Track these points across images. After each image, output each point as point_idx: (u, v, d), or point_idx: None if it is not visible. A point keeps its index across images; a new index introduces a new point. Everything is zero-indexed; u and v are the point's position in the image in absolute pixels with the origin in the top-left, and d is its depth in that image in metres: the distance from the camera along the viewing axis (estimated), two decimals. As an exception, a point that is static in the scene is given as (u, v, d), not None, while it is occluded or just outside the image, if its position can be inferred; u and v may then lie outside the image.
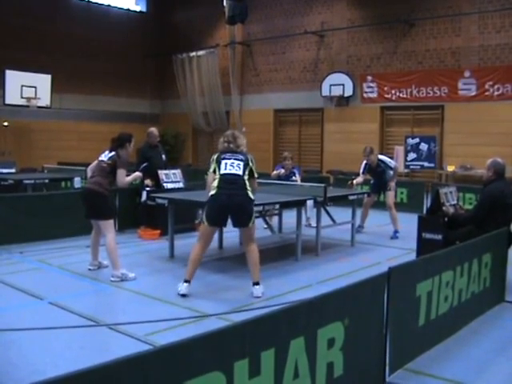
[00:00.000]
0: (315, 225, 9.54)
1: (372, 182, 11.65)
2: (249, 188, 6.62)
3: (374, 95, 19.97)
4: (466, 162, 17.38)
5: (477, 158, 16.03)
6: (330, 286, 5.00)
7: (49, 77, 20.65)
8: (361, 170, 11.27)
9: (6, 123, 21.17)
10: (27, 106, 20.29)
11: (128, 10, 25.84)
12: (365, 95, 20.18)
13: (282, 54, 22.60)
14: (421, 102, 18.91)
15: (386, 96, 19.65)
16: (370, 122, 19.90)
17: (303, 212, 9.24)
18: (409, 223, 9.90)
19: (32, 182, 12.77)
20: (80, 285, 7.29)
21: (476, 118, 17.43)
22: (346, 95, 20.31)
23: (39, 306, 6.31)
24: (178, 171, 11.24)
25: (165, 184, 10.67)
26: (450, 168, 17.89)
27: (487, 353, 5.12)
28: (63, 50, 22.54)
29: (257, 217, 8.17)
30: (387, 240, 10.70)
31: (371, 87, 20.02)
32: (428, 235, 7.48)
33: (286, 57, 22.51)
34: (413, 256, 7.56)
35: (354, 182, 11.09)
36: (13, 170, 15.58)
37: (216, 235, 9.31)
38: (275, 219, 10.86)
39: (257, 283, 6.73)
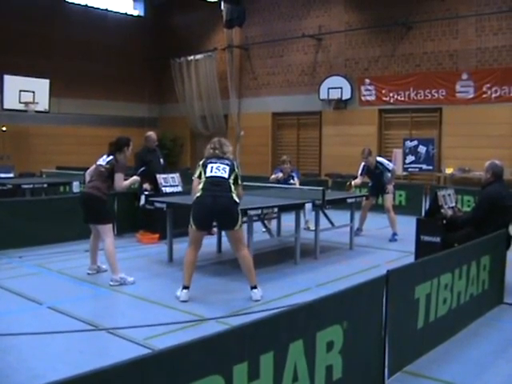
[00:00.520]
0: (314, 228, 9.55)
1: (370, 184, 11.65)
2: (234, 191, 6.63)
3: (372, 98, 19.99)
4: (465, 164, 17.40)
5: (475, 160, 16.04)
6: (328, 289, 5.01)
7: (47, 81, 20.67)
8: (359, 172, 11.29)
9: (4, 128, 21.18)
10: (25, 111, 20.30)
11: (126, 14, 25.86)
12: (363, 98, 20.20)
13: (280, 58, 22.63)
14: (419, 104, 18.94)
15: (384, 99, 19.67)
16: (368, 125, 19.91)
17: (302, 215, 9.24)
18: (407, 226, 9.90)
19: (31, 186, 12.78)
20: (79, 289, 7.30)
21: (474, 121, 17.45)
22: (344, 98, 20.33)
23: (38, 310, 6.31)
24: (176, 175, 11.25)
25: (163, 188, 10.67)
26: (449, 170, 17.92)
27: (486, 355, 5.13)
28: (61, 54, 22.55)
29: (255, 220, 8.20)
30: (386, 243, 10.70)
31: (369, 90, 20.04)
32: (426, 238, 7.49)
33: (283, 60, 22.54)
34: (411, 258, 7.56)
35: (353, 183, 11.10)
36: (11, 175, 15.59)
37: (215, 239, 9.35)
38: (274, 223, 10.87)
39: (254, 287, 6.73)
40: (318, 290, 7.06)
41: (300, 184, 11.84)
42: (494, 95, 17.33)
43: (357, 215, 10.84)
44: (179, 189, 10.90)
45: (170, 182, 10.89)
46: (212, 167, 6.65)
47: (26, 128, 21.86)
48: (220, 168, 6.64)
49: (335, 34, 20.79)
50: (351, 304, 3.98)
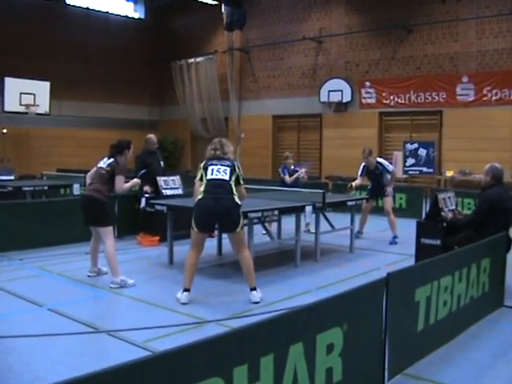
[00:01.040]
0: (314, 231, 9.55)
1: (369, 186, 11.63)
2: (235, 193, 6.63)
3: (373, 101, 20.01)
4: (465, 167, 17.40)
5: (475, 163, 16.06)
6: (329, 292, 5.01)
7: (47, 84, 20.71)
8: (359, 173, 11.28)
9: (4, 130, 21.21)
10: (26, 113, 20.34)
11: (127, 16, 25.91)
12: (363, 101, 20.22)
13: (281, 60, 22.65)
14: (419, 107, 18.96)
15: (385, 101, 19.69)
16: (368, 128, 19.93)
17: (302, 218, 9.24)
18: (407, 228, 9.91)
19: (31, 188, 12.78)
20: (79, 291, 7.29)
21: (474, 123, 17.46)
22: (344, 101, 20.36)
23: (39, 312, 6.31)
24: (176, 178, 11.26)
25: (164, 190, 10.68)
26: (449, 173, 17.92)
27: (486, 358, 5.12)
28: (62, 56, 22.59)
29: (255, 223, 8.20)
30: (386, 245, 10.70)
31: (369, 93, 20.06)
32: (427, 240, 7.49)
33: (284, 63, 22.56)
34: (412, 261, 7.57)
35: (353, 184, 11.11)
36: (12, 177, 15.60)
37: (215, 241, 9.36)
38: (274, 225, 10.86)
39: (254, 289, 6.74)
40: (318, 293, 7.05)
41: (303, 186, 11.80)
42: (494, 98, 17.35)
43: (357, 218, 10.84)
44: (179, 191, 10.91)
45: (170, 184, 10.89)
46: (213, 169, 6.63)
47: (27, 130, 21.90)
48: (221, 170, 6.62)
49: (335, 37, 20.83)
50: (351, 306, 3.99)
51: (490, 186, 7.24)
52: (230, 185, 6.60)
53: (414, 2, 18.80)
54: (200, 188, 6.65)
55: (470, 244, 6.06)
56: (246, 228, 7.21)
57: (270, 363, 3.22)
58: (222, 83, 23.80)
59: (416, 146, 18.18)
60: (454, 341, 5.43)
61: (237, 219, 6.60)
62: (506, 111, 17.00)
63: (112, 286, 7.32)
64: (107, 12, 25.03)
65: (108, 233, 7.47)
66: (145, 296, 6.94)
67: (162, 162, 11.42)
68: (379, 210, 11.93)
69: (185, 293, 6.62)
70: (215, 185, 6.56)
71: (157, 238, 10.48)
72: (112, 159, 7.59)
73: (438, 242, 7.33)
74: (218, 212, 6.51)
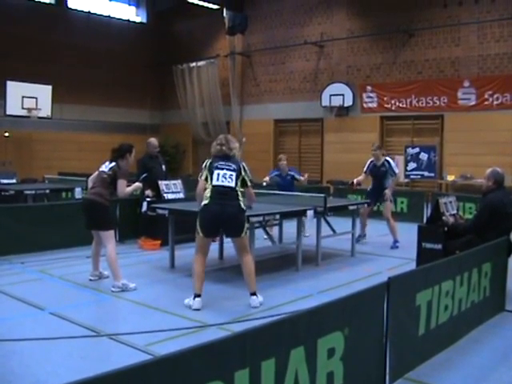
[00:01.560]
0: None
1: (370, 188, 11.57)
2: (241, 198, 6.66)
3: (374, 105, 20.03)
4: (466, 171, 17.40)
5: (477, 167, 16.05)
6: (330, 296, 5.02)
7: (49, 87, 20.73)
8: (364, 169, 11.26)
9: (6, 134, 21.25)
10: (28, 117, 20.36)
11: (128, 20, 25.96)
12: (364, 105, 20.24)
13: (282, 65, 22.68)
14: (420, 111, 18.96)
15: (386, 106, 19.70)
16: (369, 132, 19.92)
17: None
18: (409, 233, 9.92)
19: (33, 192, 12.80)
20: (81, 295, 7.31)
21: (476, 128, 17.47)
22: (345, 105, 20.37)
23: (40, 316, 6.32)
24: (178, 181, 11.26)
25: (165, 194, 10.68)
26: (450, 177, 17.92)
27: (487, 362, 5.12)
28: (64, 60, 22.62)
29: (257, 227, 8.21)
30: (387, 250, 10.70)
31: (371, 97, 20.07)
32: (428, 245, 7.49)
33: (285, 67, 22.59)
34: (413, 265, 7.56)
35: (355, 181, 11.15)
36: (14, 181, 15.64)
37: (216, 246, 9.36)
38: (275, 229, 10.87)
39: (254, 293, 6.76)
40: (319, 297, 7.06)
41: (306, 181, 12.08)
42: (495, 102, 17.36)
43: (358, 222, 10.84)
44: (181, 195, 10.91)
45: (171, 188, 10.90)
46: (219, 174, 6.60)
47: (29, 134, 21.93)
48: (227, 176, 6.61)
49: (337, 41, 20.85)
50: (352, 311, 3.99)
51: (492, 191, 7.24)
52: (236, 191, 6.63)
53: (416, 6, 18.82)
54: (205, 192, 6.65)
55: (471, 248, 6.06)
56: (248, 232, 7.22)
57: (271, 367, 3.22)
58: (223, 87, 23.83)
59: (417, 150, 18.19)
60: (455, 345, 5.43)
61: (242, 225, 6.65)
62: (507, 115, 17.00)
63: (113, 289, 7.33)
64: (109, 16, 25.08)
65: (109, 237, 7.48)
66: (146, 300, 6.94)
67: (163, 166, 11.43)
68: (380, 215, 11.91)
69: (197, 298, 6.58)
70: (221, 192, 6.56)
71: (158, 241, 10.49)
72: (113, 163, 7.60)
73: (439, 247, 7.33)
74: (224, 218, 6.54)
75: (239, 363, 3.05)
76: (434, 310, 5.00)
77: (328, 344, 3.69)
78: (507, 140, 16.83)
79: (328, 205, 9.04)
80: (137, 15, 26.53)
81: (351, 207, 10.21)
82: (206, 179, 6.69)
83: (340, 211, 10.53)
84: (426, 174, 18.04)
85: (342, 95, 20.33)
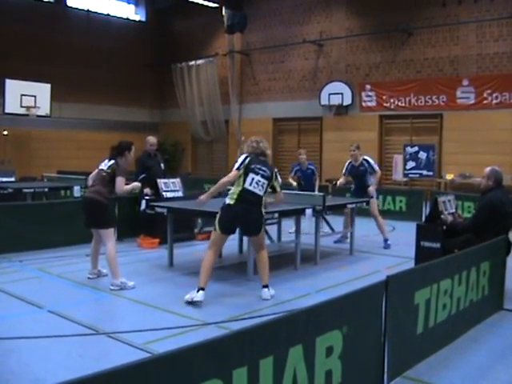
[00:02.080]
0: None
1: (353, 188, 11.57)
2: (263, 203, 6.90)
3: (373, 104, 20.02)
4: (465, 170, 17.40)
5: (475, 166, 16.04)
6: (328, 295, 5.02)
7: (48, 86, 20.71)
8: (343, 171, 11.31)
9: (5, 132, 21.22)
10: (27, 115, 20.34)
11: (127, 19, 25.92)
12: (363, 104, 20.24)
13: (281, 63, 22.67)
14: (419, 110, 18.96)
15: (385, 105, 19.70)
16: (368, 131, 19.93)
17: (302, 220, 9.24)
18: (407, 231, 9.93)
19: (31, 190, 12.79)
20: (79, 293, 7.30)
21: (474, 127, 17.47)
22: (344, 104, 20.36)
23: (39, 314, 6.32)
24: (177, 180, 11.26)
25: (164, 193, 10.68)
26: (449, 176, 17.93)
27: (486, 361, 5.13)
28: (63, 58, 22.59)
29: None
30: (386, 249, 10.70)
31: (370, 96, 20.07)
32: (426, 243, 7.50)
33: (284, 66, 22.58)
34: (411, 264, 7.57)
35: (338, 183, 11.24)
36: (12, 179, 15.60)
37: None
38: (274, 228, 10.86)
39: (266, 286, 6.99)
40: (317, 296, 7.07)
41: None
42: (494, 101, 17.36)
43: (357, 221, 10.82)
44: (180, 194, 10.91)
45: (170, 186, 10.90)
46: (253, 179, 6.77)
47: (28, 132, 21.90)
48: (260, 183, 6.79)
49: (336, 40, 20.84)
50: (351, 309, 3.99)
51: (491, 190, 7.24)
52: (262, 199, 6.85)
53: (415, 5, 18.82)
54: (233, 190, 6.81)
55: (469, 247, 6.07)
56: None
57: (270, 365, 3.23)
58: (222, 86, 23.82)
59: (416, 149, 18.18)
60: (454, 344, 5.43)
61: (260, 226, 6.95)
62: (506, 114, 17.01)
63: (112, 288, 7.33)
64: (108, 14, 25.04)
65: (109, 235, 7.48)
66: (145, 298, 6.94)
67: (162, 165, 11.42)
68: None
69: (201, 291, 6.61)
70: (249, 197, 6.74)
71: (157, 240, 10.49)
72: (113, 161, 7.60)
73: (438, 245, 7.34)
74: (246, 221, 6.80)
75: (237, 361, 3.05)
76: (432, 308, 5.00)
77: (326, 342, 3.69)
78: (506, 139, 16.83)
79: (327, 203, 9.04)
80: (136, 13, 26.50)
81: (350, 206, 10.21)
82: (240, 175, 6.81)
83: (339, 210, 10.53)
84: (424, 172, 18.03)
85: (341, 94, 20.33)
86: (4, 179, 14.93)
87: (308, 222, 9.21)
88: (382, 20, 19.55)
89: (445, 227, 7.46)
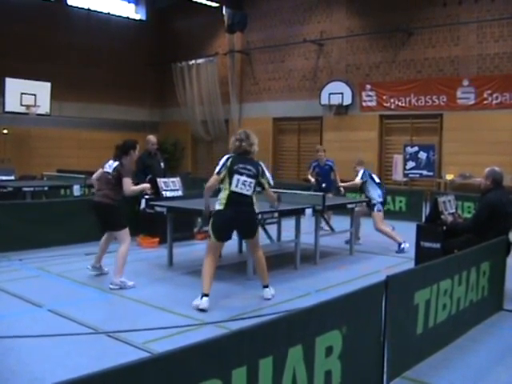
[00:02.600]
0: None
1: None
2: (255, 203, 6.72)
3: (373, 104, 20.01)
4: (465, 170, 17.38)
5: (475, 166, 16.01)
6: (328, 295, 5.01)
7: (48, 84, 20.69)
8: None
9: (5, 130, 21.21)
10: (27, 114, 20.32)
11: (128, 18, 25.90)
12: (364, 104, 20.22)
13: (281, 63, 22.65)
14: (420, 110, 18.94)
15: (385, 105, 19.68)
16: (368, 131, 19.92)
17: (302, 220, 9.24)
18: (407, 232, 9.92)
19: (31, 189, 12.79)
20: (79, 292, 7.30)
21: (475, 127, 17.46)
22: (345, 104, 20.34)
23: (38, 313, 6.31)
24: (177, 179, 11.25)
25: (164, 192, 10.67)
26: (449, 176, 17.91)
27: (485, 361, 5.13)
28: (63, 57, 22.56)
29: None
30: (386, 249, 10.68)
31: (370, 96, 20.06)
32: (426, 244, 7.50)
33: (285, 65, 22.56)
34: (411, 264, 7.57)
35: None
36: (12, 178, 15.60)
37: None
38: (274, 227, 10.86)
39: (266, 286, 7.00)
40: (317, 295, 7.07)
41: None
42: (494, 102, 17.34)
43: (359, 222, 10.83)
44: (179, 193, 10.90)
45: (170, 186, 10.89)
46: (238, 180, 6.54)
47: (27, 131, 21.89)
48: (246, 183, 6.57)
49: (336, 40, 20.82)
50: (350, 309, 3.99)
51: (490, 190, 7.24)
52: (251, 198, 6.68)
53: (415, 5, 18.80)
54: (221, 195, 6.62)
55: (469, 247, 6.06)
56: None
57: (269, 365, 3.22)
58: (222, 85, 23.80)
59: (416, 149, 18.16)
60: (453, 344, 5.43)
61: (255, 228, 6.88)
62: (506, 115, 16.99)
63: (111, 287, 7.34)
64: (108, 13, 25.01)
65: (124, 235, 7.57)
66: (144, 297, 6.94)
67: (162, 164, 11.43)
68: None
69: (205, 298, 6.51)
70: (238, 199, 6.57)
71: (156, 239, 10.48)
72: (117, 162, 7.59)
73: (438, 246, 7.34)
74: (239, 223, 6.67)
75: (237, 361, 3.05)
76: (432, 309, 5.00)
77: (326, 342, 3.68)
78: (506, 139, 16.82)
79: (326, 203, 9.04)
80: (136, 13, 26.46)
81: (349, 206, 10.21)
82: (223, 178, 6.60)
83: (338, 210, 10.54)
84: (424, 172, 18.01)
85: (341, 94, 20.31)
86: (4, 178, 14.92)
87: (308, 221, 9.21)
88: (382, 20, 19.53)
89: (445, 227, 7.46)
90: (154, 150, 11.38)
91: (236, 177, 6.55)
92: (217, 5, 22.90)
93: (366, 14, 20.11)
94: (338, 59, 20.96)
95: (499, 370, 4.98)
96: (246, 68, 23.85)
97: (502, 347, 5.53)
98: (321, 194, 9.47)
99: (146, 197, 10.35)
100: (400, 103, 19.33)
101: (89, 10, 24.23)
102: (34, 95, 20.27)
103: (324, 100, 20.68)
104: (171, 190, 10.82)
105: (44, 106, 20.60)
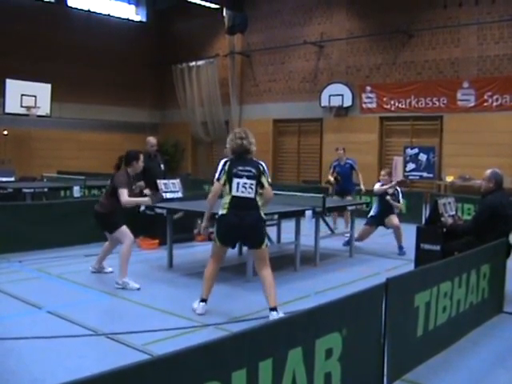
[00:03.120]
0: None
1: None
2: (261, 207, 6.35)
3: (373, 105, 20.01)
4: (465, 172, 17.38)
5: (476, 168, 16.02)
6: (328, 297, 5.01)
7: (49, 86, 20.73)
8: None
9: (5, 132, 21.22)
10: (27, 115, 20.35)
11: (128, 19, 25.93)
12: (364, 106, 20.23)
13: (282, 65, 22.67)
14: (420, 112, 18.95)
15: (385, 106, 19.69)
16: (369, 133, 19.93)
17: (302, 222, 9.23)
18: (407, 233, 9.92)
19: (31, 190, 12.80)
20: (79, 294, 7.30)
21: (475, 129, 17.46)
22: (345, 105, 20.36)
23: (38, 314, 6.31)
24: (177, 181, 11.22)
25: (164, 194, 10.65)
26: (449, 178, 17.91)
27: (485, 364, 5.12)
28: (63, 59, 22.57)
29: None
30: (386, 250, 10.68)
31: (370, 98, 20.06)
32: (426, 246, 7.48)
33: (285, 67, 22.57)
34: (411, 267, 7.56)
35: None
36: (12, 179, 15.63)
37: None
38: (274, 229, 10.85)
39: (274, 308, 6.11)
40: (317, 297, 7.05)
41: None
42: (494, 104, 17.35)
43: (356, 222, 10.80)
44: (179, 194, 10.88)
45: (170, 187, 10.86)
46: (238, 184, 6.22)
47: (28, 132, 21.91)
48: (247, 186, 6.23)
49: (337, 42, 20.84)
50: (350, 311, 3.98)
51: (491, 192, 7.24)
52: (256, 201, 6.30)
53: (416, 7, 18.81)
54: (223, 200, 6.33)
55: (469, 250, 6.06)
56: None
57: (269, 367, 3.22)
58: (222, 87, 23.81)
59: (416, 151, 18.18)
60: (453, 347, 5.42)
61: (262, 235, 6.38)
62: (506, 117, 17.00)
63: (116, 285, 7.45)
64: (109, 14, 25.05)
65: (123, 234, 7.68)
66: (144, 299, 6.93)
67: (162, 165, 11.42)
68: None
69: (201, 303, 6.40)
70: (241, 203, 6.23)
71: (156, 241, 10.48)
72: (115, 174, 7.74)
73: (438, 248, 7.32)
74: (243, 228, 6.24)
75: (237, 363, 3.04)
76: (432, 311, 4.99)
77: (326, 345, 3.68)
78: (506, 141, 16.83)
79: (327, 205, 9.03)
80: (136, 14, 26.50)
81: (350, 208, 10.21)
82: (224, 183, 6.31)
83: (338, 212, 10.53)
84: (424, 174, 18.03)
85: (342, 95, 20.32)
86: (4, 179, 14.95)
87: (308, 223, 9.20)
88: (382, 22, 19.54)
89: (445, 229, 7.45)
90: (154, 152, 11.37)
91: (235, 180, 6.25)
92: (217, 6, 22.92)
93: (367, 15, 20.12)
94: (338, 61, 20.97)
95: (499, 372, 4.97)
96: (247, 70, 23.86)
97: (502, 349, 5.53)
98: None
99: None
100: (400, 105, 19.33)
101: (89, 11, 24.28)
102: (35, 96, 20.31)
103: (324, 102, 20.69)
104: (171, 192, 10.80)
105: (44, 107, 20.63)
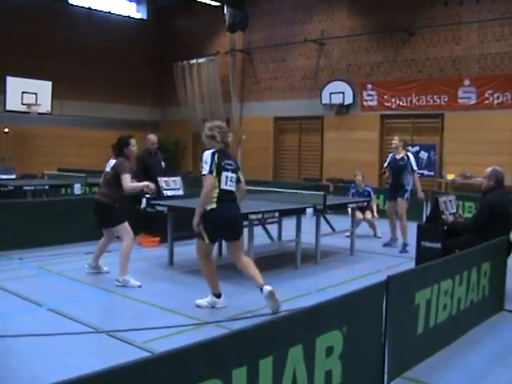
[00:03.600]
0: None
1: (389, 183, 11.22)
2: (238, 198, 6.55)
3: (374, 103, 20.00)
4: (466, 170, 17.36)
5: (476, 166, 15.99)
6: (328, 294, 5.00)
7: (49, 83, 20.72)
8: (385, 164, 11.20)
9: (6, 129, 21.20)
10: (28, 113, 20.34)
11: (129, 17, 25.90)
12: (365, 103, 20.21)
13: (283, 62, 22.65)
14: (421, 110, 18.94)
15: (386, 104, 19.68)
16: (369, 130, 19.92)
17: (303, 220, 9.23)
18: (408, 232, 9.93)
19: (32, 188, 12.80)
20: (79, 291, 7.30)
21: (476, 127, 17.45)
22: (346, 103, 20.34)
23: (38, 312, 6.31)
24: (177, 178, 11.24)
25: (164, 191, 10.66)
26: (450, 176, 17.90)
27: (486, 362, 5.12)
28: (64, 56, 22.57)
29: (256, 224, 8.21)
30: (386, 248, 10.69)
31: (371, 95, 20.05)
32: (427, 244, 7.48)
33: (286, 65, 22.56)
34: (412, 264, 7.56)
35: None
36: (13, 176, 15.65)
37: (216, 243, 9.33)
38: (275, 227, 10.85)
39: (263, 285, 6.25)
40: (318, 295, 7.05)
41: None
42: (495, 101, 17.34)
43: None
44: (180, 192, 10.89)
45: (171, 185, 10.88)
46: (227, 177, 6.29)
47: (28, 130, 21.90)
48: (233, 179, 6.37)
49: (338, 39, 20.82)
50: (351, 309, 3.98)
51: (491, 190, 7.23)
52: (235, 193, 6.48)
53: (417, 5, 18.79)
54: (213, 193, 6.28)
55: (470, 248, 6.05)
56: (246, 230, 7.21)
57: (269, 365, 3.21)
58: (223, 84, 23.79)
59: (417, 148, 18.16)
60: (454, 344, 5.42)
61: (242, 226, 6.62)
62: (507, 115, 16.98)
63: (116, 283, 7.38)
64: (109, 12, 25.02)
65: (124, 230, 7.62)
66: (144, 297, 6.93)
67: (162, 163, 11.42)
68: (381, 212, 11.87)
69: (218, 299, 6.50)
70: (228, 196, 6.34)
71: (157, 238, 10.47)
72: (115, 160, 7.63)
73: (439, 246, 7.32)
74: (230, 220, 6.36)
75: (237, 361, 3.04)
76: (432, 309, 4.99)
77: (326, 342, 3.67)
78: (507, 139, 16.81)
79: (327, 203, 9.03)
80: (137, 11, 26.45)
81: (350, 205, 10.20)
82: (217, 175, 6.27)
83: (339, 209, 10.52)
84: (425, 172, 18.00)
85: (343, 93, 20.31)
86: (4, 176, 14.96)
87: (309, 221, 9.20)
88: (383, 19, 19.52)
89: (445, 227, 7.45)
90: (155, 149, 11.38)
91: (224, 174, 6.28)
92: (218, 4, 22.91)
93: (367, 13, 20.10)
94: (339, 59, 20.96)
95: (499, 370, 4.97)
96: (247, 67, 23.85)
97: (503, 348, 5.52)
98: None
99: (147, 196, 10.36)
100: (401, 103, 19.32)
101: (90, 8, 24.23)
102: (35, 94, 20.30)
103: (325, 99, 20.68)
104: (172, 189, 10.81)
105: (45, 104, 20.63)
